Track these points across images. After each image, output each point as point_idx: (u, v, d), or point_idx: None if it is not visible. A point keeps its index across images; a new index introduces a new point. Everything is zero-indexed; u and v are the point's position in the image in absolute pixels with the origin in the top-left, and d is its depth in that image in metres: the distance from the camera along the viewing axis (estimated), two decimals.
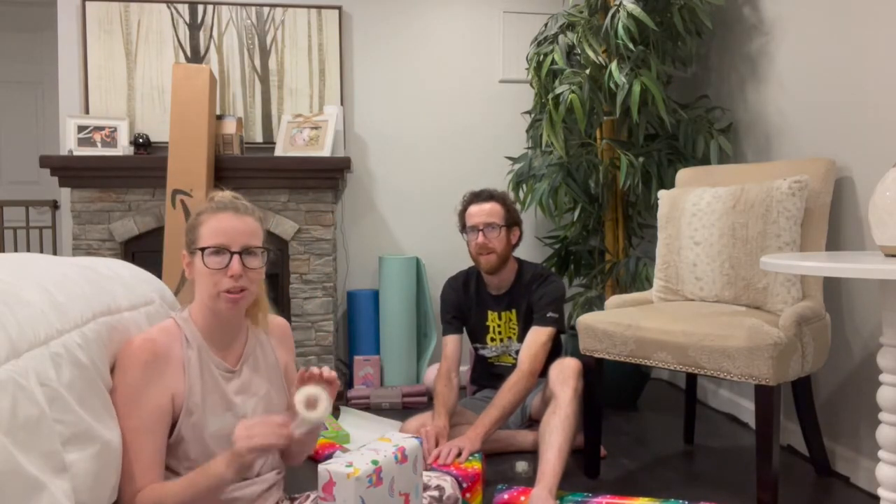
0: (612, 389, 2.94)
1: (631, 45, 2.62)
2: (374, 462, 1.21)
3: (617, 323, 2.08)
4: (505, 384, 2.23)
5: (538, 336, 2.32)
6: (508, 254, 2.42)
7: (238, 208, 1.36)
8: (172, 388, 1.30)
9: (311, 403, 1.26)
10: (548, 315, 2.34)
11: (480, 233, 2.36)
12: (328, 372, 1.32)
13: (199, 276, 1.34)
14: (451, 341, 2.44)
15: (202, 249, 1.32)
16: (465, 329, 2.54)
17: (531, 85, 3.15)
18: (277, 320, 1.54)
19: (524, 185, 3.17)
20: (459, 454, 2.02)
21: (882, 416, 1.48)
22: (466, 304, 2.50)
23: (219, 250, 1.31)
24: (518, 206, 2.63)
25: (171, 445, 1.31)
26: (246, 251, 1.33)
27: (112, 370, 1.27)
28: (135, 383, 1.26)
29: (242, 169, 3.06)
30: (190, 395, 1.32)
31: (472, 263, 2.51)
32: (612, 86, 2.69)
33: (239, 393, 1.39)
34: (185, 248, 1.38)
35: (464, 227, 2.44)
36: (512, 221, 2.43)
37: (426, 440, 2.11)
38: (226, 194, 1.41)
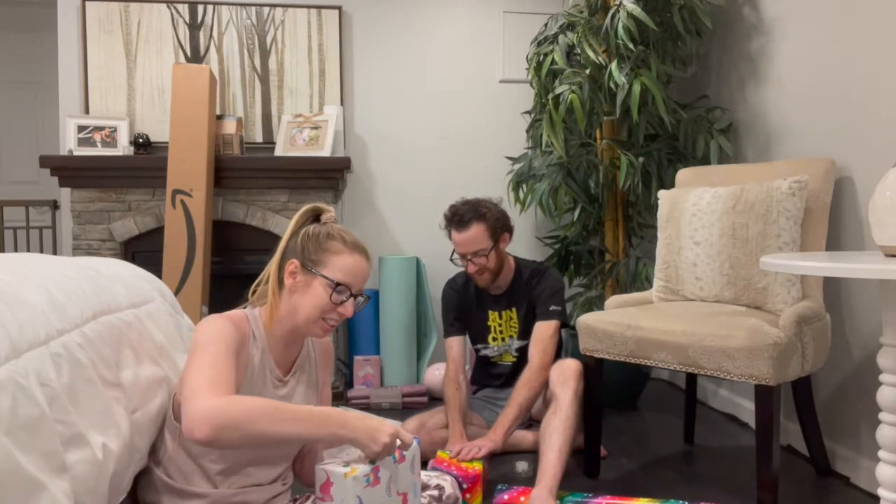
0: (612, 389, 2.94)
1: (631, 45, 2.62)
2: (372, 461, 1.21)
3: (617, 323, 2.08)
4: (519, 381, 2.24)
5: (545, 330, 2.32)
6: (502, 263, 2.40)
7: (368, 255, 1.43)
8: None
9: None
10: (551, 308, 2.34)
11: (469, 262, 2.34)
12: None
13: (308, 297, 1.36)
14: (456, 343, 2.44)
15: (331, 282, 1.35)
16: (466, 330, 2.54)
17: (531, 85, 3.15)
18: (324, 340, 1.57)
19: (524, 185, 3.17)
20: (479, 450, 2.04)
21: (882, 416, 1.48)
22: (467, 305, 2.50)
23: (344, 290, 1.36)
24: (507, 204, 2.48)
25: None
26: (359, 294, 1.40)
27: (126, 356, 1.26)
28: (221, 329, 1.27)
29: (242, 169, 3.06)
30: (240, 390, 1.32)
31: None
32: (612, 86, 2.69)
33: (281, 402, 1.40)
34: (298, 258, 1.38)
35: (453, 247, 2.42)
36: (498, 233, 2.34)
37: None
38: (350, 233, 1.43)
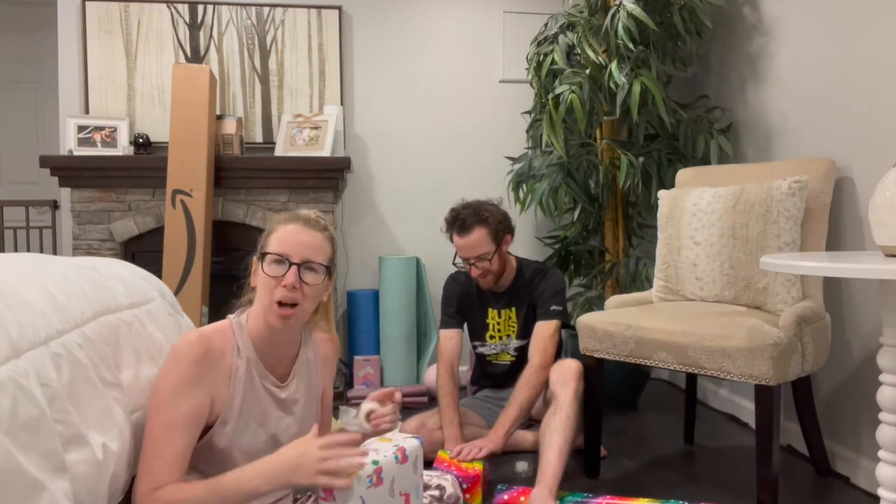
0: (612, 389, 2.94)
1: (631, 45, 2.62)
2: (375, 462, 1.21)
3: (617, 323, 2.08)
4: (519, 381, 2.23)
5: (545, 329, 2.32)
6: (505, 263, 2.40)
7: (308, 222, 1.35)
8: (214, 393, 1.28)
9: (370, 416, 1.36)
10: (551, 308, 2.35)
11: (472, 266, 2.33)
12: (399, 397, 1.43)
13: (259, 283, 1.34)
14: (453, 336, 2.41)
15: (264, 255, 1.31)
16: (465, 325, 2.53)
17: (531, 85, 3.15)
18: (326, 347, 1.53)
19: (524, 185, 3.17)
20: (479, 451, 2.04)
21: (882, 416, 1.48)
22: (469, 300, 2.50)
23: (280, 259, 1.30)
24: (507, 204, 2.47)
25: (199, 448, 1.30)
26: (306, 265, 1.32)
27: (110, 364, 1.26)
28: (182, 379, 1.23)
29: (242, 169, 3.06)
30: (230, 405, 1.30)
31: None
32: (612, 86, 2.69)
33: (279, 409, 1.39)
34: (256, 256, 1.38)
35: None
36: (501, 236, 2.33)
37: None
38: (306, 211, 1.40)
